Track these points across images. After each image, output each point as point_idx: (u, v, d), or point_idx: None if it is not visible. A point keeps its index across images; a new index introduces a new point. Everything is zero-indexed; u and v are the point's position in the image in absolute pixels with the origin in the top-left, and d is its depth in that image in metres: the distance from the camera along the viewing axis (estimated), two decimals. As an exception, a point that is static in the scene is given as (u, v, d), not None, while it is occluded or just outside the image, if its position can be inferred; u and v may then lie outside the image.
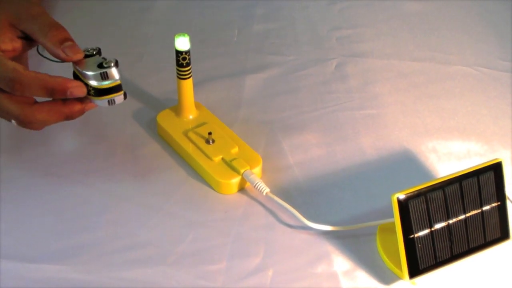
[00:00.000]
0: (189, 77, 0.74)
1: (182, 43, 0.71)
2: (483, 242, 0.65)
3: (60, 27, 0.66)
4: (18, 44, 0.67)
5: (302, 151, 0.77)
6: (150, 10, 0.98)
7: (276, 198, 0.69)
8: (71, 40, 0.66)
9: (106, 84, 0.65)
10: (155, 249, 0.66)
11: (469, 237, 0.64)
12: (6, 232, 0.66)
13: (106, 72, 0.65)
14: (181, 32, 0.71)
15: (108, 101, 0.66)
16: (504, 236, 0.66)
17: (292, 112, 0.82)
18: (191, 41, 0.71)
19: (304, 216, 0.67)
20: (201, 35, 0.93)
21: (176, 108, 0.77)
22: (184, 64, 0.72)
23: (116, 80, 0.66)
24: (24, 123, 0.65)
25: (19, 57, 0.68)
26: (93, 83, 0.65)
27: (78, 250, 0.65)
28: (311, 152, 0.77)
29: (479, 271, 0.65)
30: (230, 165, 0.71)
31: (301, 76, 0.88)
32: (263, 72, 0.88)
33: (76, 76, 0.66)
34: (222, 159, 0.72)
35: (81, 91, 0.65)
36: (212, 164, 0.72)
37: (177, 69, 0.73)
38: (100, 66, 0.65)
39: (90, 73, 0.64)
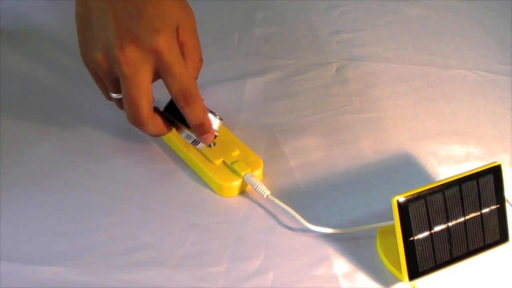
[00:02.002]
0: None
1: None
2: (483, 245, 0.65)
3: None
4: None
5: (302, 154, 0.77)
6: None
7: (276, 201, 0.70)
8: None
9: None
10: (156, 252, 0.66)
11: (468, 240, 0.64)
12: (7, 234, 0.66)
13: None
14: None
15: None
16: (503, 239, 0.66)
17: (293, 115, 0.83)
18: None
19: (304, 219, 0.68)
20: (202, 39, 0.92)
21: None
22: None
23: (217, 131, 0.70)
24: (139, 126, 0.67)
25: None
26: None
27: (79, 252, 0.65)
28: (312, 155, 0.77)
29: (479, 273, 0.65)
30: (231, 168, 0.72)
31: (301, 80, 0.88)
32: (264, 76, 0.88)
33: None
34: (223, 162, 0.73)
35: (209, 141, 0.69)
36: (213, 167, 0.72)
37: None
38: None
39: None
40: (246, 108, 0.83)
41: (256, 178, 0.71)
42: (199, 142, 0.70)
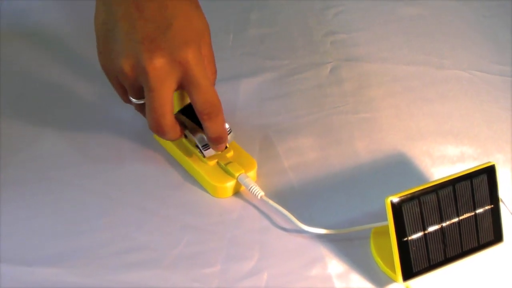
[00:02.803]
0: None
1: None
2: (477, 245, 0.65)
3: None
4: None
5: (296, 155, 0.77)
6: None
7: (270, 202, 0.70)
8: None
9: None
10: (151, 252, 0.66)
11: (462, 240, 0.64)
12: (4, 235, 0.66)
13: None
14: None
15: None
16: (497, 239, 0.66)
17: (287, 116, 0.83)
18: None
19: (298, 220, 0.68)
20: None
21: (172, 112, 0.77)
22: None
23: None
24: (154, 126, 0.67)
25: None
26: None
27: (75, 253, 0.65)
28: (306, 156, 0.77)
29: (473, 273, 0.65)
30: (225, 169, 0.72)
31: (296, 80, 0.88)
32: (258, 76, 0.88)
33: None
34: (217, 163, 0.73)
35: (221, 150, 0.72)
36: (207, 168, 0.72)
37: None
38: None
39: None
40: (240, 108, 0.83)
41: (250, 179, 0.71)
42: (209, 148, 0.71)
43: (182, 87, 0.66)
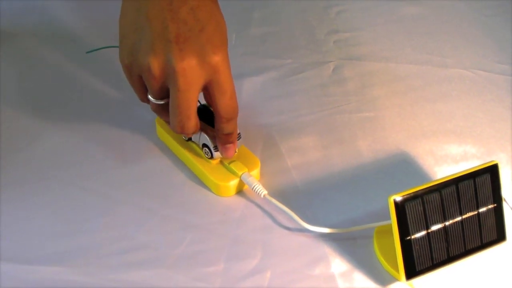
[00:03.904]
0: None
1: None
2: (480, 244, 0.65)
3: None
4: None
5: (299, 154, 0.77)
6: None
7: (274, 201, 0.70)
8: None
9: None
10: (153, 252, 0.66)
11: (465, 239, 0.64)
12: (5, 234, 0.66)
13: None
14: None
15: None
16: (500, 238, 0.66)
17: (290, 115, 0.82)
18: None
19: (301, 219, 0.68)
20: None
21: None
22: None
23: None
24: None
25: None
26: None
27: (75, 252, 0.65)
28: (309, 155, 0.77)
29: (476, 272, 0.65)
30: (228, 168, 0.72)
31: (298, 79, 0.88)
32: (261, 75, 0.88)
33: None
34: (220, 161, 0.73)
35: (230, 153, 0.71)
36: (211, 166, 0.72)
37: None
38: None
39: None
40: (243, 107, 0.82)
41: (254, 178, 0.71)
42: (217, 150, 0.71)
43: (207, 89, 0.66)
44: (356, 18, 1.01)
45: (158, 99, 0.68)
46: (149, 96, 0.69)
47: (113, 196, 0.71)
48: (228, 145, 0.70)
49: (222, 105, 0.67)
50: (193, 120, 0.67)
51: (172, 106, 0.66)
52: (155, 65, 0.64)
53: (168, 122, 0.69)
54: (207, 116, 0.72)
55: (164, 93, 0.67)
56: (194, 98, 0.65)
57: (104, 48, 0.79)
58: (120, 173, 0.74)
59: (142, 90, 0.69)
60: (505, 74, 0.91)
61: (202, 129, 0.71)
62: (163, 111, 0.69)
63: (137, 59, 0.65)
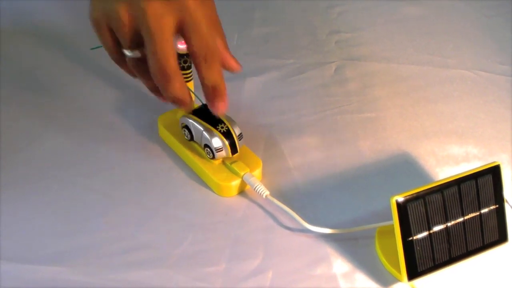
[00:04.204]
0: (190, 80, 0.74)
1: (183, 46, 0.71)
2: (481, 245, 0.65)
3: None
4: None
5: (301, 154, 0.77)
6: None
7: (275, 201, 0.69)
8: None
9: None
10: (154, 251, 0.66)
11: (467, 240, 0.64)
12: (5, 234, 0.66)
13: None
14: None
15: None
16: (502, 239, 0.66)
17: (291, 115, 0.82)
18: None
19: (303, 219, 0.68)
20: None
21: (177, 110, 0.77)
22: (185, 67, 0.73)
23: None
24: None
25: None
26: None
27: (76, 252, 0.65)
28: (310, 155, 0.77)
29: (477, 273, 0.65)
30: (230, 168, 0.72)
31: (300, 80, 0.88)
32: (263, 76, 0.88)
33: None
34: (223, 161, 0.72)
35: (221, 110, 0.67)
36: (213, 166, 0.72)
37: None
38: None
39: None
40: (245, 108, 0.83)
41: (255, 178, 0.71)
42: (221, 150, 0.71)
43: (181, 31, 0.63)
44: (358, 18, 1.01)
45: (132, 49, 0.65)
46: (124, 51, 0.66)
47: (114, 196, 0.71)
48: (216, 101, 0.67)
49: (195, 44, 0.63)
50: (172, 62, 0.63)
51: (149, 52, 0.63)
52: (123, 10, 0.62)
53: (150, 85, 0.67)
54: (208, 116, 0.72)
55: (137, 42, 0.64)
56: (169, 38, 0.63)
57: None
58: (121, 172, 0.73)
59: (114, 44, 0.66)
60: (507, 74, 0.91)
61: (204, 130, 0.71)
62: (141, 69, 0.66)
63: (104, 9, 0.64)
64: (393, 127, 0.81)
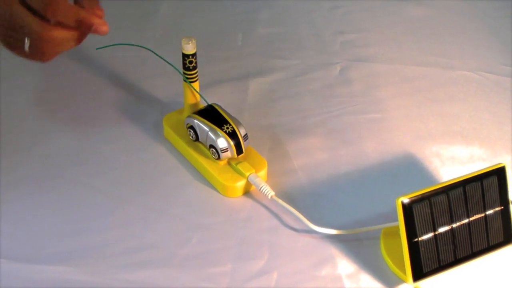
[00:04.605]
0: (195, 80, 0.74)
1: (189, 46, 0.71)
2: (486, 246, 0.65)
3: None
4: None
5: (306, 155, 0.77)
6: (155, 14, 0.99)
7: (281, 202, 0.70)
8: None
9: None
10: (160, 252, 0.66)
11: (472, 241, 0.64)
12: (9, 233, 0.66)
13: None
14: (187, 35, 0.72)
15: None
16: (507, 240, 0.66)
17: (296, 116, 0.83)
18: (196, 45, 0.72)
19: (308, 220, 0.68)
20: (206, 39, 0.93)
21: (182, 111, 0.77)
22: (191, 68, 0.73)
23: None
24: (40, 41, 0.62)
25: None
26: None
27: (82, 252, 0.65)
28: (315, 156, 0.77)
29: (482, 274, 0.65)
30: (235, 169, 0.72)
31: (305, 80, 0.88)
32: (267, 76, 0.88)
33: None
34: (228, 162, 0.73)
35: (103, 30, 0.64)
36: (218, 167, 0.72)
37: (184, 73, 0.73)
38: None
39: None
40: (249, 108, 0.83)
41: (261, 179, 0.71)
42: (227, 151, 0.71)
43: None
44: (362, 20, 1.01)
45: None
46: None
47: (119, 196, 0.71)
48: (93, 30, 0.64)
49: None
50: None
51: None
52: None
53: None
54: (214, 116, 0.72)
55: None
56: None
57: (114, 45, 0.79)
58: (126, 172, 0.74)
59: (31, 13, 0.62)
60: (511, 76, 0.91)
61: (209, 130, 0.71)
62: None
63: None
64: (398, 128, 0.81)
